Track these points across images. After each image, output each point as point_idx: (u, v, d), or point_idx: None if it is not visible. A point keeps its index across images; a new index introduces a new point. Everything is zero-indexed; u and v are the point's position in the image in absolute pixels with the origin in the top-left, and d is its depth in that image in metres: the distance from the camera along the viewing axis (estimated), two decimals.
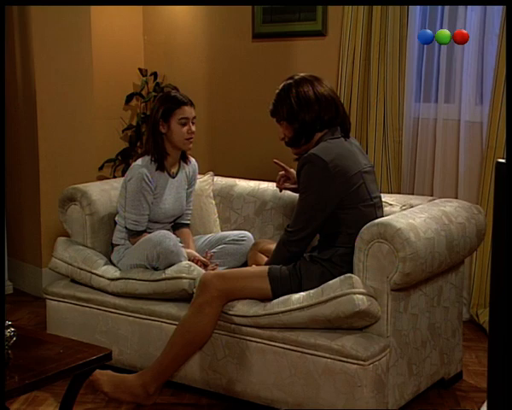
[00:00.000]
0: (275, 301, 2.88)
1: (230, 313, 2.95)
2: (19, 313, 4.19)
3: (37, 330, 3.49)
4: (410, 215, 2.88)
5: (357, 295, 2.70)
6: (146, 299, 3.25)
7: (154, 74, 5.11)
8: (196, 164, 3.61)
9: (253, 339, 2.92)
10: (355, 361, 2.69)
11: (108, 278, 3.33)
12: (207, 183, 3.79)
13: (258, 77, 4.77)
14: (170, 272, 3.17)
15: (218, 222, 3.75)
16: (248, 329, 2.92)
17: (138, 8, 5.20)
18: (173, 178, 3.45)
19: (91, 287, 3.40)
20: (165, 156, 3.40)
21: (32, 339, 2.58)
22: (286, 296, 2.86)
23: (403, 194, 3.97)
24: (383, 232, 2.72)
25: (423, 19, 4.05)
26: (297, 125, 2.98)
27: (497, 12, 3.80)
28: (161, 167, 3.38)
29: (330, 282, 2.78)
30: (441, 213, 2.96)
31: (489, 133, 3.82)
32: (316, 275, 2.89)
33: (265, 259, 3.17)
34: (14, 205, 4.61)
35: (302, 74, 3.06)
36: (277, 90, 3.05)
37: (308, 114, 2.96)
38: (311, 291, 2.81)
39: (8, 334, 2.30)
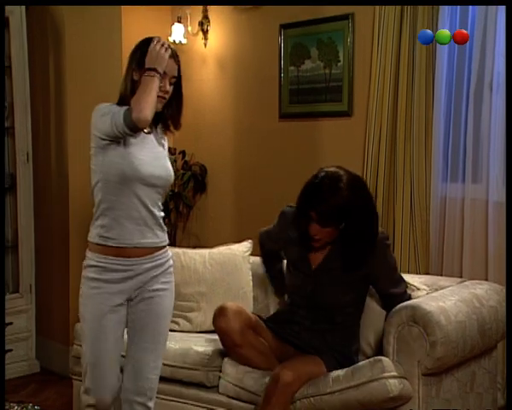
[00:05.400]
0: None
1: None
2: (45, 393, 4.17)
3: None
4: (440, 298, 2.86)
5: (390, 380, 2.66)
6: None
7: (183, 153, 5.18)
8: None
9: None
10: None
11: None
12: (247, 248, 3.76)
13: (285, 155, 4.82)
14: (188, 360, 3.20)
15: (251, 284, 3.66)
16: None
17: None
18: (146, 133, 2.68)
19: None
20: None
21: None
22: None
23: (431, 274, 3.92)
24: (413, 315, 2.70)
25: (449, 99, 4.07)
26: (356, 239, 2.93)
27: None
28: None
29: (360, 364, 2.76)
30: (472, 296, 2.93)
31: None
32: None
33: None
34: (44, 283, 4.63)
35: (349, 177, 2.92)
36: (340, 200, 2.84)
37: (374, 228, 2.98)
38: (341, 374, 2.78)
39: None
